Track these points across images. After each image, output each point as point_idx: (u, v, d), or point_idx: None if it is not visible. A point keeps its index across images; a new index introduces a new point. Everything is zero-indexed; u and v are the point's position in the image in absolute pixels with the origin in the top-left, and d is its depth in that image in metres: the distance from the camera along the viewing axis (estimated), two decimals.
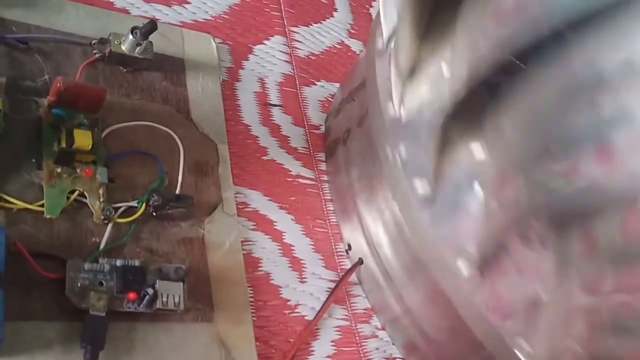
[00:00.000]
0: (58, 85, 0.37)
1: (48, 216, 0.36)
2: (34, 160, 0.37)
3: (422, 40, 0.39)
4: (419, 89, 0.39)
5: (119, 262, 0.36)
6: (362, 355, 0.45)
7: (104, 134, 0.40)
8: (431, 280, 0.41)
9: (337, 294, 0.45)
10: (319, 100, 0.54)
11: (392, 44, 0.40)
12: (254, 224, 0.45)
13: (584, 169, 0.30)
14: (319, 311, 0.44)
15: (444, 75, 0.37)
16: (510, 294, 0.39)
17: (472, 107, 0.35)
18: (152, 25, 0.43)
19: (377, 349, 0.45)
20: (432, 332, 0.44)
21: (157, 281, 0.36)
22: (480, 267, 0.37)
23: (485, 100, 0.35)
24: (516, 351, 0.38)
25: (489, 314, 0.38)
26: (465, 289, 0.39)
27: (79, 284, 0.34)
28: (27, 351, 0.32)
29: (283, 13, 0.56)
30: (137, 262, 0.36)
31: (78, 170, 0.37)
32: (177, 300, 0.36)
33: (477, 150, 0.36)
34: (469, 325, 0.40)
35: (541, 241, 0.36)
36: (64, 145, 0.37)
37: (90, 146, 0.37)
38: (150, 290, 0.35)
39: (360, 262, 0.47)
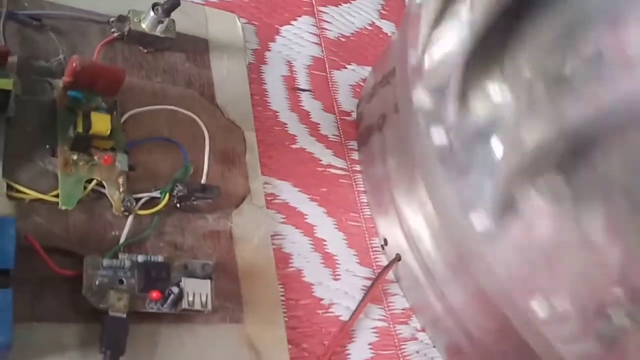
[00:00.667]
0: (74, 65, 0.34)
1: (63, 207, 0.33)
2: (48, 146, 0.34)
3: None
4: (442, 35, 0.36)
5: (140, 258, 0.33)
6: (401, 359, 0.41)
7: (123, 118, 0.37)
8: (477, 278, 0.37)
9: (374, 292, 0.42)
10: (349, 85, 0.51)
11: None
12: (283, 216, 0.42)
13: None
14: (354, 311, 0.41)
15: (463, 19, 0.34)
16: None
17: (490, 51, 0.33)
18: (174, 2, 0.39)
19: (417, 352, 0.42)
20: (478, 333, 0.40)
21: (183, 279, 0.33)
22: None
23: (501, 43, 0.33)
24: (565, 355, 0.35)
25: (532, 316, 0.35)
26: (507, 287, 0.35)
27: (97, 282, 0.31)
28: (39, 356, 0.29)
29: None
30: (160, 258, 0.33)
31: (95, 158, 0.34)
32: (204, 299, 0.33)
33: (495, 92, 0.33)
34: (516, 328, 0.37)
35: None
36: (80, 130, 0.34)
37: (108, 131, 0.34)
38: (175, 289, 0.32)
39: (398, 258, 0.43)
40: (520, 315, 0.36)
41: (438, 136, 0.35)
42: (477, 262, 0.37)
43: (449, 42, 0.35)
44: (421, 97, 0.36)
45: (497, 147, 0.32)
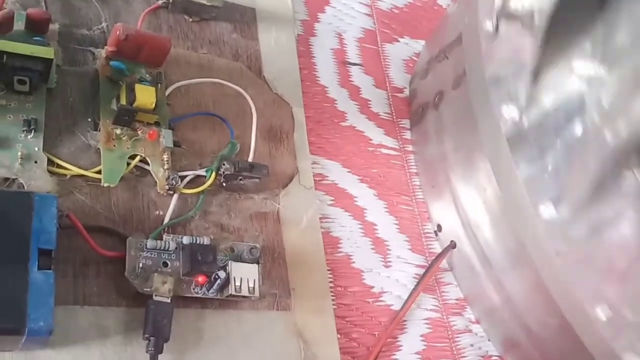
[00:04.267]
0: (118, 33, 0.32)
1: (106, 184, 0.31)
2: (90, 119, 0.32)
3: None
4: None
5: (185, 240, 0.31)
6: (455, 352, 0.39)
7: (168, 91, 0.35)
8: (538, 271, 0.35)
9: (426, 281, 0.40)
10: (402, 59, 0.48)
11: None
12: (332, 198, 0.40)
13: None
14: (406, 301, 0.38)
15: None
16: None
17: (577, 16, 0.29)
18: None
19: (471, 345, 0.40)
20: (537, 327, 0.38)
21: (230, 262, 0.31)
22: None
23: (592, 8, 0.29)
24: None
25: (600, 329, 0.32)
26: (571, 289, 0.33)
27: (140, 265, 0.29)
28: (81, 341, 0.27)
29: None
30: (206, 240, 0.31)
31: (139, 133, 0.32)
32: (251, 285, 0.31)
33: (581, 66, 0.30)
34: (577, 332, 0.34)
35: None
36: (124, 102, 0.32)
37: (153, 104, 0.32)
38: (222, 274, 0.30)
39: (453, 245, 0.41)
40: (580, 317, 0.33)
41: (509, 115, 0.32)
42: (539, 256, 0.34)
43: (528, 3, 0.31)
44: (494, 70, 0.33)
45: (582, 129, 0.29)
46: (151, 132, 0.32)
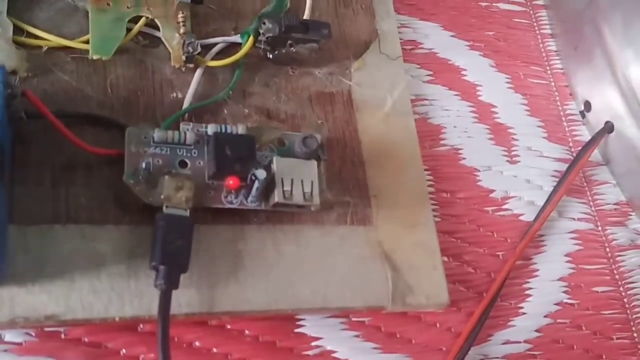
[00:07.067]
0: None
1: (95, 57, 0.22)
2: None
3: None
4: None
5: (210, 129, 0.22)
6: (617, 275, 0.28)
7: None
8: None
9: (571, 180, 0.28)
10: None
11: None
12: (430, 73, 0.29)
13: None
14: (542, 207, 0.27)
15: None
16: None
17: None
18: None
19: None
20: None
21: (274, 158, 0.21)
22: None
23: None
24: None
25: None
26: None
27: (144, 164, 0.20)
28: (62, 272, 0.19)
29: None
30: (240, 128, 0.22)
31: None
32: (308, 189, 0.21)
33: None
34: None
35: None
36: None
37: None
38: (260, 173, 0.21)
39: (609, 128, 0.29)
40: None
41: None
42: None
43: None
44: None
45: None
46: None
